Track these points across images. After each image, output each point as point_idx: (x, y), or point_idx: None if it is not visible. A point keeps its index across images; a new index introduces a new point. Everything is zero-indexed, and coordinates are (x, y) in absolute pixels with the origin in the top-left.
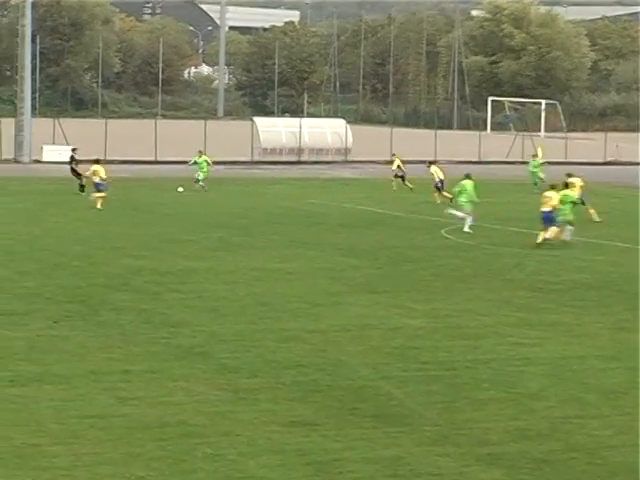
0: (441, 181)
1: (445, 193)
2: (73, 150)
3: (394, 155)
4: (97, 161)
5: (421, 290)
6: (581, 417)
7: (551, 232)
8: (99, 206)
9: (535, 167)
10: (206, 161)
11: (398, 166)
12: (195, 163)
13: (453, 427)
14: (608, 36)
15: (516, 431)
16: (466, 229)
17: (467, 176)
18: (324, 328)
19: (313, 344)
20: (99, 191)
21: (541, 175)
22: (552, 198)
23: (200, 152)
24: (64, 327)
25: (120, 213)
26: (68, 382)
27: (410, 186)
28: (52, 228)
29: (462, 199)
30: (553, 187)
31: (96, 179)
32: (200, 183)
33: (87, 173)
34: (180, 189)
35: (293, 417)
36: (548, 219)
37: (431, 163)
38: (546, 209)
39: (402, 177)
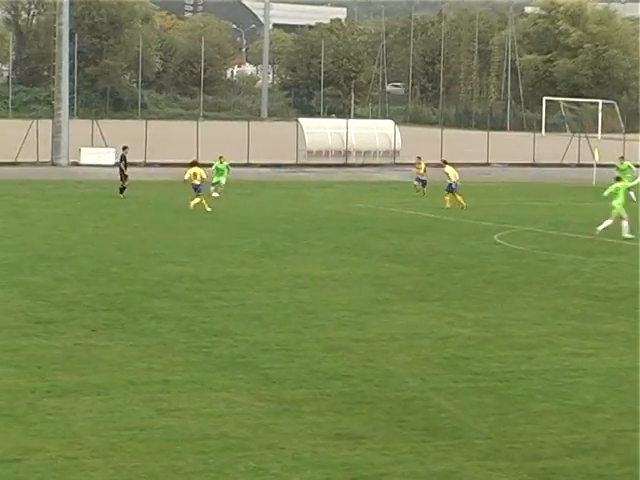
0: (455, 183)
1: (459, 197)
2: (124, 149)
3: (419, 159)
4: (195, 163)
5: (472, 298)
6: (638, 430)
7: None
8: (193, 207)
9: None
10: (228, 167)
11: (425, 171)
12: (217, 169)
13: (505, 440)
14: None
15: (571, 445)
16: (627, 234)
17: (617, 179)
18: (371, 337)
19: (360, 354)
20: (198, 194)
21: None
22: None
23: (221, 157)
24: (102, 336)
25: (160, 218)
26: (106, 393)
27: (424, 192)
28: (90, 233)
29: (616, 203)
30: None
31: (196, 182)
32: (218, 189)
33: (186, 177)
34: (215, 194)
35: (339, 430)
36: None
37: (445, 162)
38: None
39: (424, 183)
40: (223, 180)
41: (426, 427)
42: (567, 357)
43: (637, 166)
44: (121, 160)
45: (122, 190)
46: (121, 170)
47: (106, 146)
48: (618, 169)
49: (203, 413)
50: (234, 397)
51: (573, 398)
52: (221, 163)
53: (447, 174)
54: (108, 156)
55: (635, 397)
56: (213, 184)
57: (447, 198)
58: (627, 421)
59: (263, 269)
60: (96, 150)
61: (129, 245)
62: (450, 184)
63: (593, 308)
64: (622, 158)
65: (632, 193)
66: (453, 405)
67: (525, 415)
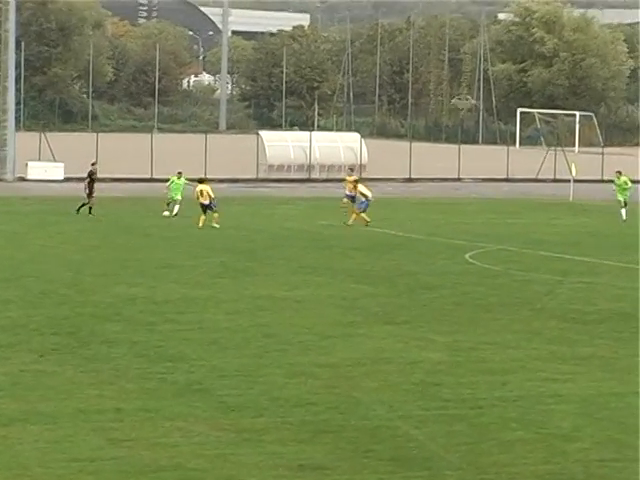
0: (214, 199)
1: (364, 215)
2: (93, 165)
3: (352, 170)
4: (203, 180)
5: (442, 320)
6: (618, 460)
7: None
8: (215, 224)
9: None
10: (186, 183)
11: (355, 187)
12: (174, 185)
13: (478, 471)
14: None
15: (547, 475)
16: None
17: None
18: (335, 362)
19: (323, 380)
20: (214, 211)
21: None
22: None
23: (180, 173)
24: (50, 361)
25: (112, 236)
26: (55, 422)
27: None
28: (37, 252)
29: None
30: None
31: (206, 201)
32: (173, 207)
33: (194, 196)
34: (166, 213)
35: (302, 460)
36: None
37: (201, 181)
38: None
39: (352, 199)
40: (179, 197)
41: (394, 457)
42: (542, 383)
43: (633, 181)
44: (89, 176)
45: (81, 207)
46: (88, 187)
47: (54, 160)
48: (615, 184)
49: (157, 443)
50: (190, 426)
51: (549, 426)
52: (179, 179)
53: (362, 193)
54: (56, 171)
55: (614, 425)
56: (174, 201)
57: (354, 216)
58: (606, 450)
59: (221, 290)
60: (44, 164)
61: (79, 265)
62: (365, 202)
63: (570, 331)
64: (619, 173)
65: (623, 211)
66: (422, 434)
67: (498, 444)
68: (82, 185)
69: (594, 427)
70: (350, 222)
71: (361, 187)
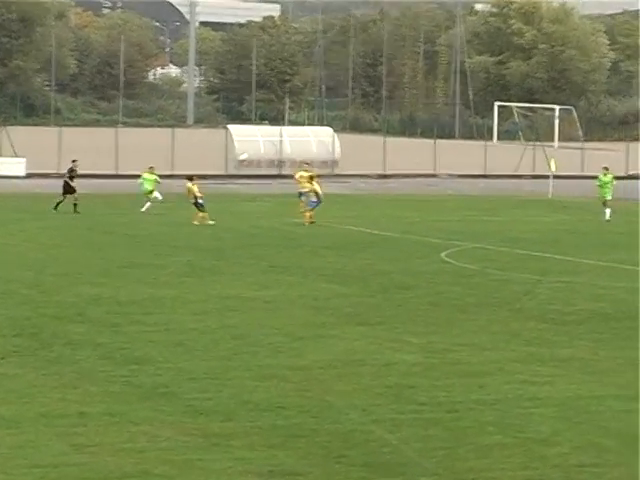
0: (201, 197)
1: (203, 213)
2: (74, 162)
3: (308, 165)
4: (191, 178)
5: (417, 321)
6: (598, 465)
7: None
8: (210, 222)
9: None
10: (156, 180)
11: (309, 182)
12: (145, 181)
13: (454, 477)
14: (630, 33)
15: None
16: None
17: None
18: (307, 365)
19: (294, 383)
20: (201, 210)
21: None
22: None
23: (151, 168)
24: (11, 364)
25: (75, 234)
26: (16, 426)
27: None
28: None
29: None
30: None
31: (192, 199)
32: (150, 203)
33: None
34: (144, 208)
35: (272, 466)
36: None
37: (189, 178)
38: None
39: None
40: (156, 194)
41: (367, 462)
42: (521, 385)
43: (617, 178)
44: (69, 173)
45: (58, 205)
46: (67, 184)
47: (16, 155)
48: (600, 181)
49: (123, 448)
50: (157, 431)
51: (527, 430)
52: (151, 174)
53: (316, 192)
54: (18, 166)
55: (594, 429)
56: (149, 198)
57: (308, 214)
58: (585, 455)
59: (188, 290)
60: (4, 160)
61: (41, 264)
62: (317, 202)
63: (549, 332)
64: (606, 169)
65: (608, 210)
66: (397, 439)
67: (475, 449)
68: (44, 182)
69: (573, 431)
70: (307, 222)
71: (316, 185)
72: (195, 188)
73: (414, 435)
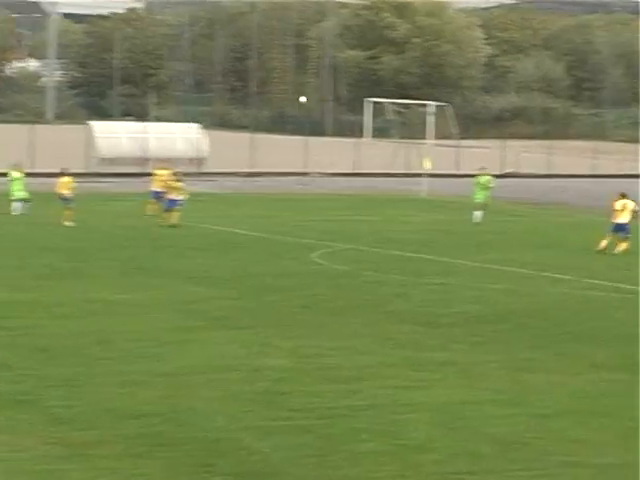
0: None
1: (167, 215)
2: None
3: (168, 164)
4: (63, 173)
5: (288, 325)
6: (474, 473)
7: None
8: (69, 223)
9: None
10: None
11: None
12: (15, 180)
13: None
14: (506, 28)
15: None
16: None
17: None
18: (172, 370)
19: (160, 389)
20: (68, 207)
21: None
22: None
23: (17, 165)
24: None
25: None
26: None
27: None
28: None
29: None
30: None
31: (67, 193)
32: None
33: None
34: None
35: (137, 476)
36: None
37: (63, 174)
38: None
39: (159, 196)
40: (23, 193)
41: (237, 472)
42: (395, 391)
43: (495, 176)
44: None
45: None
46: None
47: None
48: (477, 182)
49: None
50: (16, 440)
51: (402, 437)
52: (19, 172)
53: (176, 190)
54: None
55: (470, 435)
56: (21, 199)
57: (167, 215)
58: (461, 462)
59: (47, 293)
60: None
61: None
62: (179, 201)
63: (424, 335)
64: (484, 169)
65: (479, 213)
66: (267, 446)
67: (349, 457)
68: None
69: (449, 437)
70: (175, 221)
71: (178, 184)
72: (69, 182)
73: (285, 443)
